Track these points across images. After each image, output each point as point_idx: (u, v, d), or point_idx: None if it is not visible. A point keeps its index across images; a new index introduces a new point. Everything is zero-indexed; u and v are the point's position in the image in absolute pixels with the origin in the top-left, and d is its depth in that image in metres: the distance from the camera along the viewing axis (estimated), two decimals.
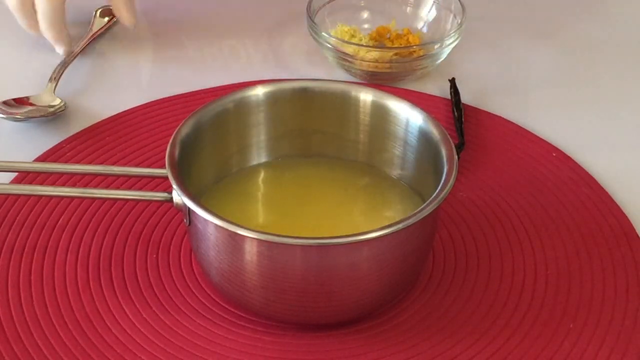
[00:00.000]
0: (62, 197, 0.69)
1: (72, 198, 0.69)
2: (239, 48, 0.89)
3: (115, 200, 0.69)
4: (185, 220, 0.61)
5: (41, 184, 0.71)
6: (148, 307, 0.62)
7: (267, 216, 0.66)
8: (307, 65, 0.87)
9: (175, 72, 0.86)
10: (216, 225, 0.56)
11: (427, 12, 0.88)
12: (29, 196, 0.69)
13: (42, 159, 0.74)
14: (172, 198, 0.61)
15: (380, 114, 0.66)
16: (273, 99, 0.67)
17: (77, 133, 0.77)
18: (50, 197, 0.69)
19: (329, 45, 0.83)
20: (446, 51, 0.83)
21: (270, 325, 0.61)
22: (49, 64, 0.84)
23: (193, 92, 0.82)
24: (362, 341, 0.60)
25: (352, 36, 0.84)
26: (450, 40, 0.82)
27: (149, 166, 0.73)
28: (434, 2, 0.88)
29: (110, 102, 0.81)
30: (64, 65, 0.84)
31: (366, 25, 0.88)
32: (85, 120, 0.78)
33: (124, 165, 0.74)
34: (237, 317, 0.62)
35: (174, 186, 0.58)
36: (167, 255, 0.66)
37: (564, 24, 0.95)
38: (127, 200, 0.69)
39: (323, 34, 0.82)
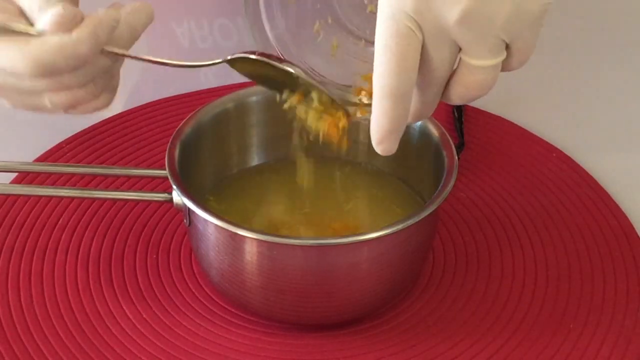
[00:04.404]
0: (62, 197, 0.69)
1: (72, 198, 0.69)
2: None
3: (115, 200, 0.69)
4: (185, 221, 0.60)
5: (41, 184, 0.71)
6: (148, 307, 0.62)
7: (267, 216, 0.66)
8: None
9: (174, 72, 0.86)
10: (216, 226, 0.56)
11: None
12: (29, 196, 0.69)
13: (42, 159, 0.74)
14: (172, 198, 0.61)
15: None
16: (273, 99, 0.67)
17: (77, 133, 0.77)
18: (50, 197, 0.69)
19: None
20: None
21: (270, 325, 0.61)
22: None
23: (193, 92, 0.82)
24: (362, 341, 0.60)
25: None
26: None
27: (149, 166, 0.73)
28: None
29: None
30: None
31: None
32: (85, 120, 0.78)
33: (124, 165, 0.74)
34: (237, 317, 0.62)
35: (174, 186, 0.58)
36: (167, 255, 0.66)
37: (564, 24, 0.95)
38: (127, 200, 0.69)
39: None
